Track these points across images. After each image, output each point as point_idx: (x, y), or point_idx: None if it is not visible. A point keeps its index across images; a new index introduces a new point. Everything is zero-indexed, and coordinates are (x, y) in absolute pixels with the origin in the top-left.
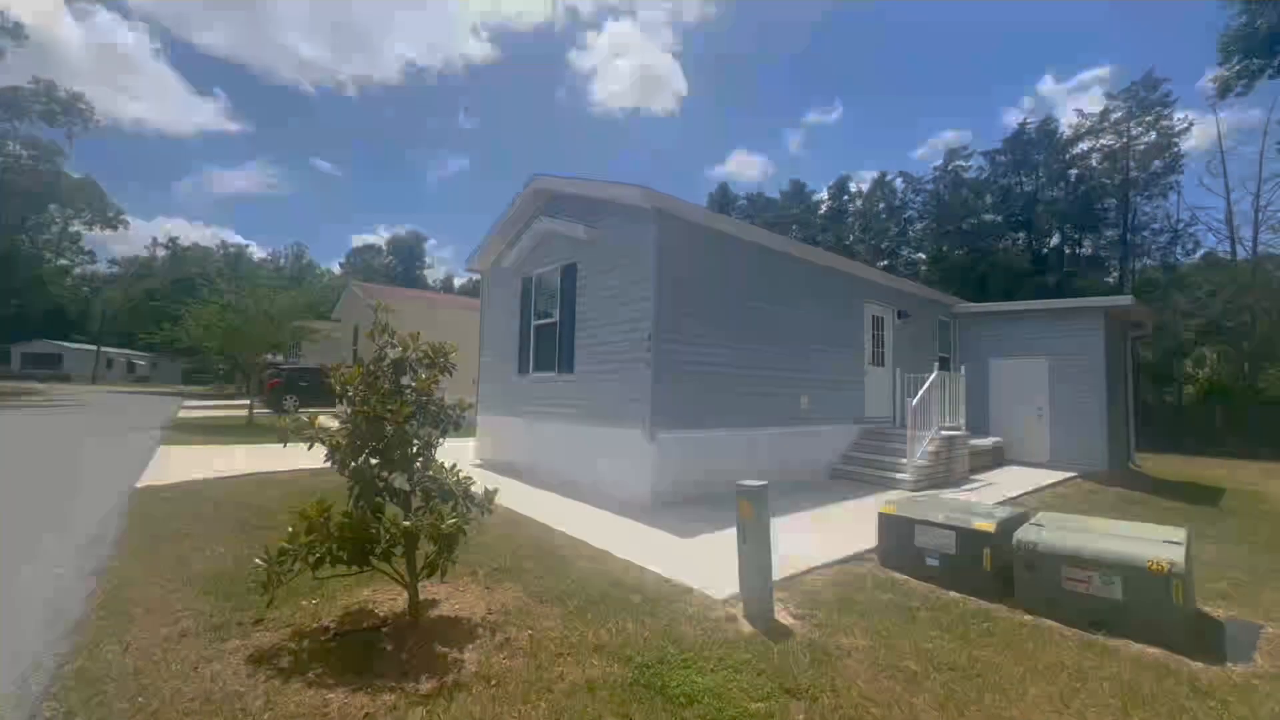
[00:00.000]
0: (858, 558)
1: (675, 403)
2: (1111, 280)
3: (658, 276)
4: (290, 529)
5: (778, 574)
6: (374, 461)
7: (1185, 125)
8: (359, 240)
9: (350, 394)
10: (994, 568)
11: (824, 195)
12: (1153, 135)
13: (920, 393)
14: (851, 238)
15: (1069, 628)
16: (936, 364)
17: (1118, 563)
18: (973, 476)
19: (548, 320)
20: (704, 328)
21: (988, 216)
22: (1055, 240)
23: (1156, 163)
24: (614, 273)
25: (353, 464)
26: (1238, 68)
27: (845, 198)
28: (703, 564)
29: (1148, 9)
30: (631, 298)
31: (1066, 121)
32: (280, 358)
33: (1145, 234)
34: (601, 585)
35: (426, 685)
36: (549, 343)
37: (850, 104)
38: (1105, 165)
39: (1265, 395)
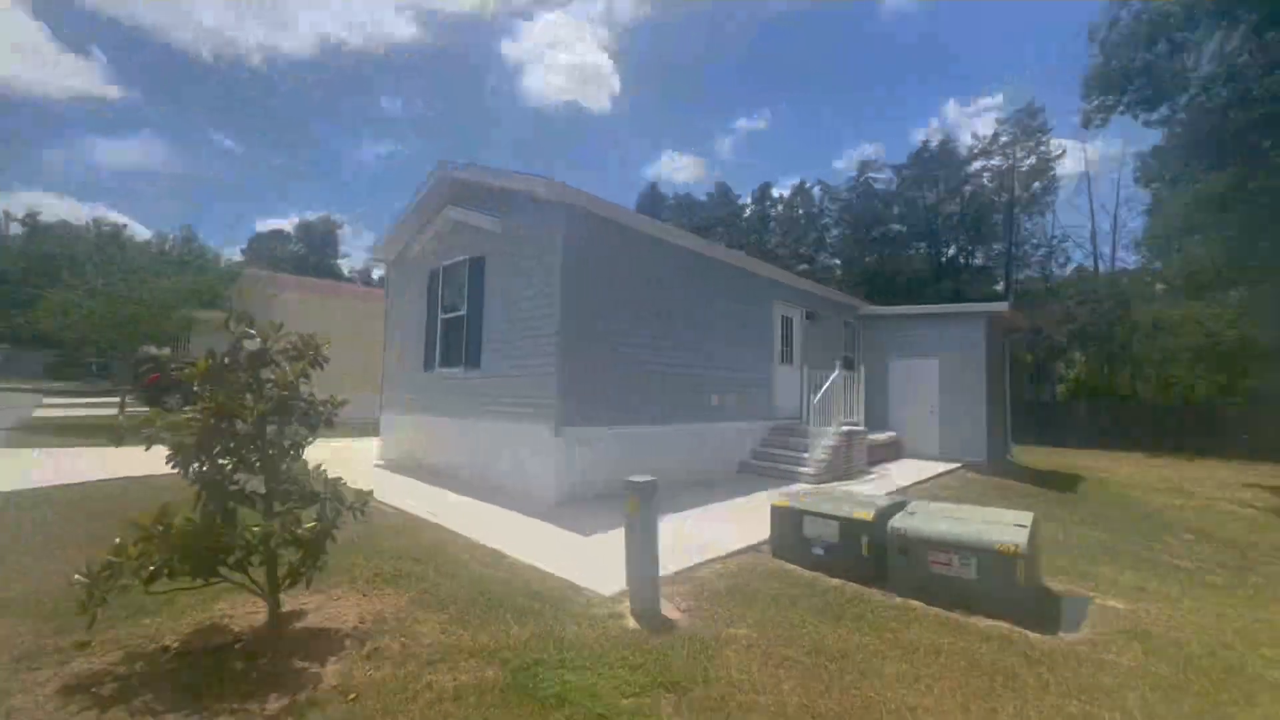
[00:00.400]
0: (753, 549)
1: (583, 399)
2: (999, 289)
3: (564, 271)
4: (117, 540)
5: (674, 567)
6: (224, 463)
7: (1060, 152)
8: (265, 225)
9: (197, 389)
10: (871, 554)
11: (748, 200)
12: (1033, 159)
13: (822, 390)
14: (774, 242)
15: (933, 608)
16: (840, 363)
17: (974, 546)
18: (870, 469)
19: (455, 314)
20: (614, 324)
21: (895, 226)
22: (952, 251)
23: (1036, 184)
24: (522, 266)
25: (195, 466)
26: (1096, 103)
27: (768, 203)
28: (599, 561)
29: (1037, 45)
30: (539, 292)
31: (963, 142)
32: (165, 350)
33: (1026, 248)
34: (492, 588)
35: (275, 704)
36: (456, 337)
37: (779, 113)
38: (994, 184)
39: (1120, 393)
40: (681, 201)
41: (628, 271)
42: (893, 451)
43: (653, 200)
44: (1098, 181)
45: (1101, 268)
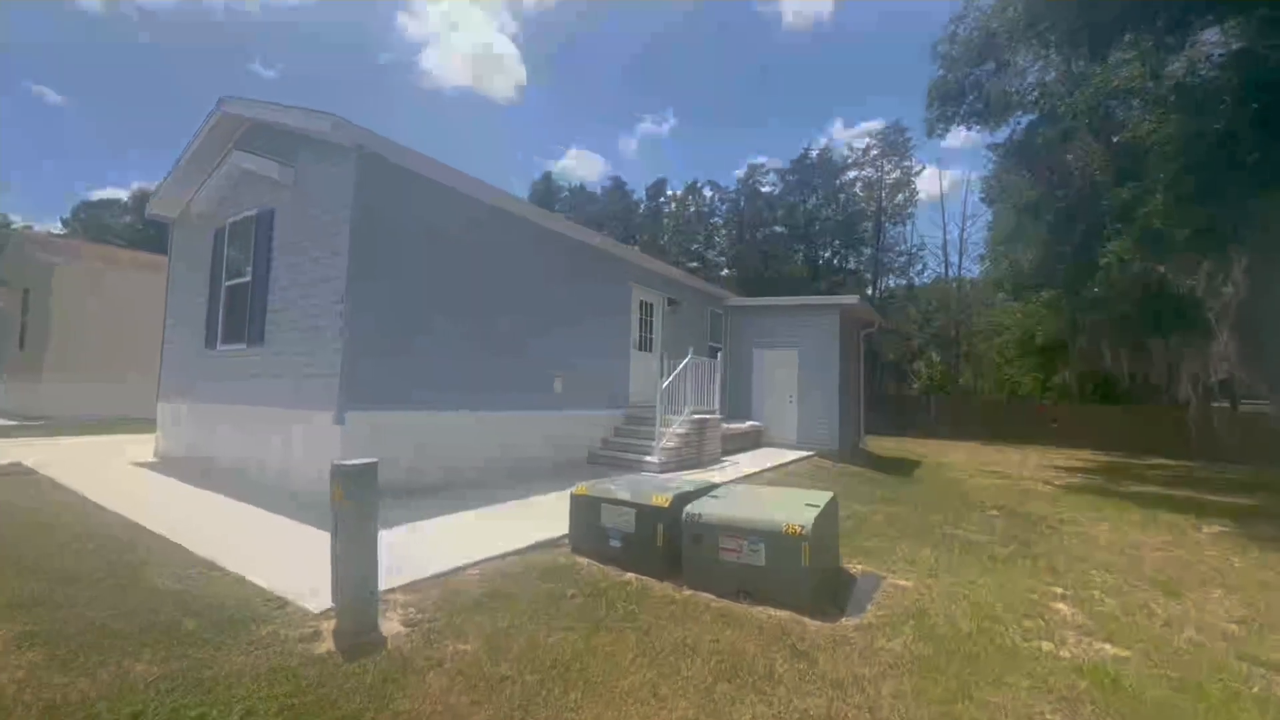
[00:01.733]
0: (552, 544)
1: (378, 379)
2: (870, 292)
3: (355, 227)
4: None
5: (434, 570)
6: None
7: (920, 168)
8: (100, 195)
9: None
10: (665, 544)
11: (643, 197)
12: (897, 173)
13: (670, 377)
14: (665, 239)
15: (720, 599)
16: (706, 352)
17: (762, 529)
18: (724, 458)
19: (240, 280)
20: (423, 295)
21: (778, 229)
22: (828, 254)
23: (900, 196)
24: (311, 222)
25: None
26: (937, 112)
27: (662, 200)
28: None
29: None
30: (328, 252)
31: (840, 153)
32: None
33: (891, 254)
34: (162, 610)
35: None
36: (240, 307)
37: (682, 119)
38: (864, 194)
39: (964, 388)
40: (575, 194)
41: (447, 237)
42: (752, 440)
43: (545, 190)
44: (951, 198)
45: (951, 275)
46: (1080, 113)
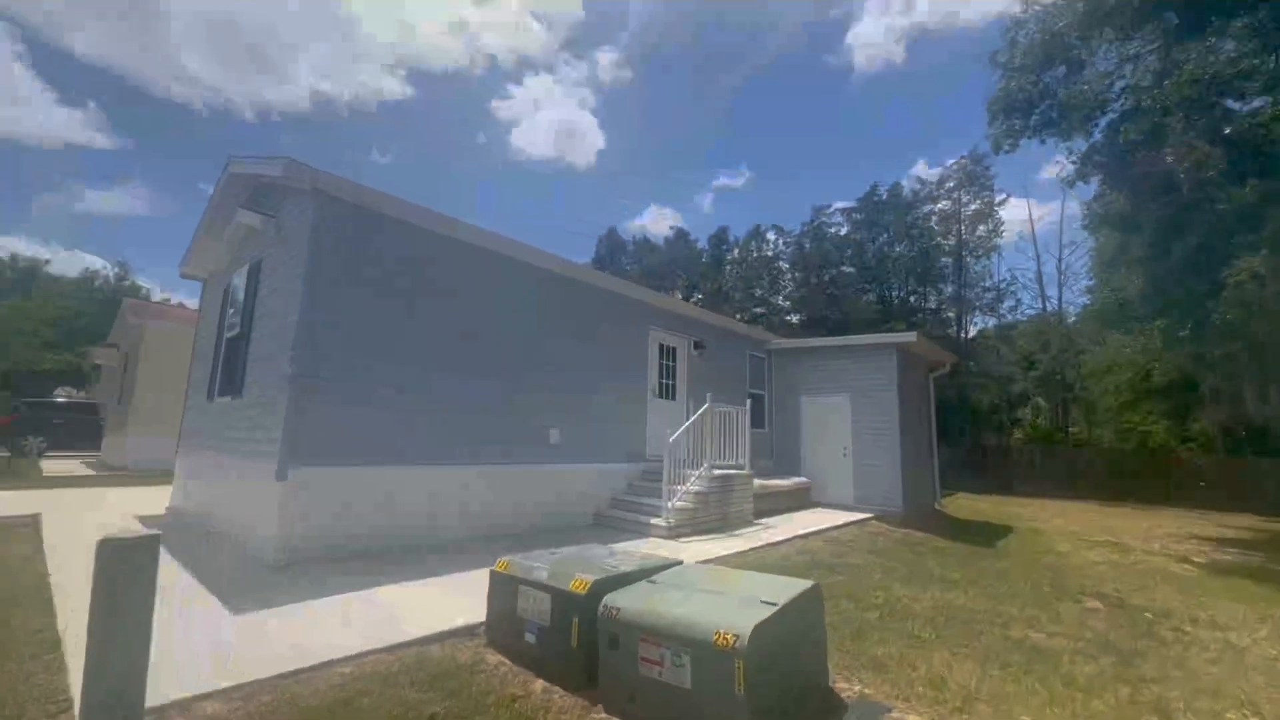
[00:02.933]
0: (469, 631)
1: (329, 431)
2: (954, 332)
3: (311, 271)
4: None
5: (301, 663)
6: None
7: (1004, 197)
8: None
9: None
10: (580, 644)
11: (706, 245)
12: (977, 204)
13: (681, 428)
14: (728, 285)
15: None
16: (744, 400)
17: (685, 635)
18: (758, 520)
19: (234, 332)
20: (392, 341)
21: (846, 269)
22: (900, 293)
23: (981, 228)
24: (284, 271)
25: None
26: (1003, 127)
27: (724, 247)
28: (181, 653)
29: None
30: (290, 299)
31: (911, 188)
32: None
33: (977, 290)
34: None
35: None
36: (232, 359)
37: (757, 171)
38: (941, 228)
39: (1076, 439)
40: (639, 247)
41: (422, 281)
42: (799, 500)
43: (610, 245)
44: (1046, 225)
45: (1051, 309)
46: (1173, 104)
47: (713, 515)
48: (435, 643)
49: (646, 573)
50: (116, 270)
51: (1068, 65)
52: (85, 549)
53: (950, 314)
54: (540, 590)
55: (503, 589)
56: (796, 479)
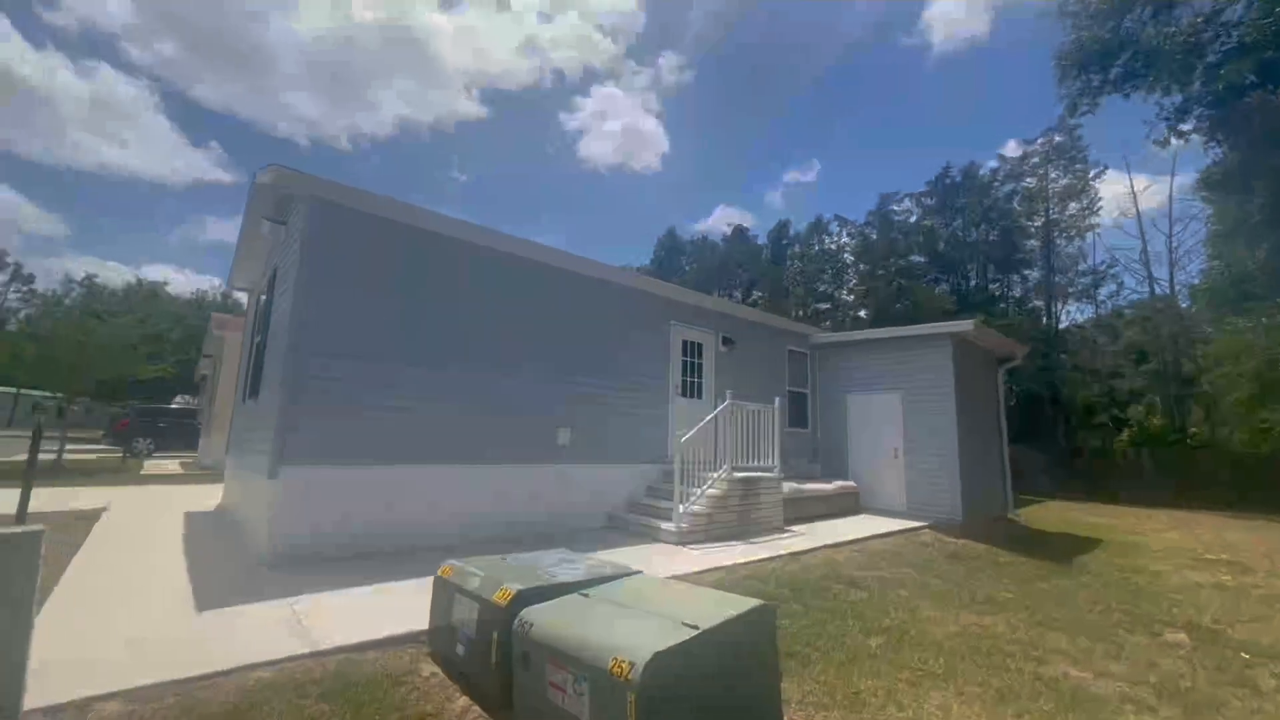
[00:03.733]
0: (414, 638)
1: (323, 430)
2: (1045, 322)
3: (303, 273)
4: None
5: (235, 661)
6: None
7: (1100, 170)
8: None
9: None
10: (500, 661)
11: (765, 241)
12: (1068, 179)
13: (697, 427)
14: (789, 281)
15: None
16: (783, 398)
17: (588, 660)
18: (791, 527)
19: (259, 338)
20: (390, 340)
21: (915, 258)
22: (979, 282)
23: (1073, 205)
24: (288, 275)
25: None
26: (1079, 85)
27: (785, 242)
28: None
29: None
30: (289, 300)
31: (988, 166)
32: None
33: (1068, 275)
34: None
35: None
36: (256, 364)
37: (827, 163)
38: (1024, 208)
39: (1197, 439)
40: (697, 246)
41: (421, 280)
42: (844, 506)
43: (669, 247)
44: (1152, 198)
45: (1159, 293)
46: None
47: (731, 521)
48: (376, 649)
49: (586, 584)
50: (223, 289)
51: (1154, 5)
52: (115, 541)
53: (1038, 302)
54: (471, 599)
55: (442, 596)
56: (841, 483)
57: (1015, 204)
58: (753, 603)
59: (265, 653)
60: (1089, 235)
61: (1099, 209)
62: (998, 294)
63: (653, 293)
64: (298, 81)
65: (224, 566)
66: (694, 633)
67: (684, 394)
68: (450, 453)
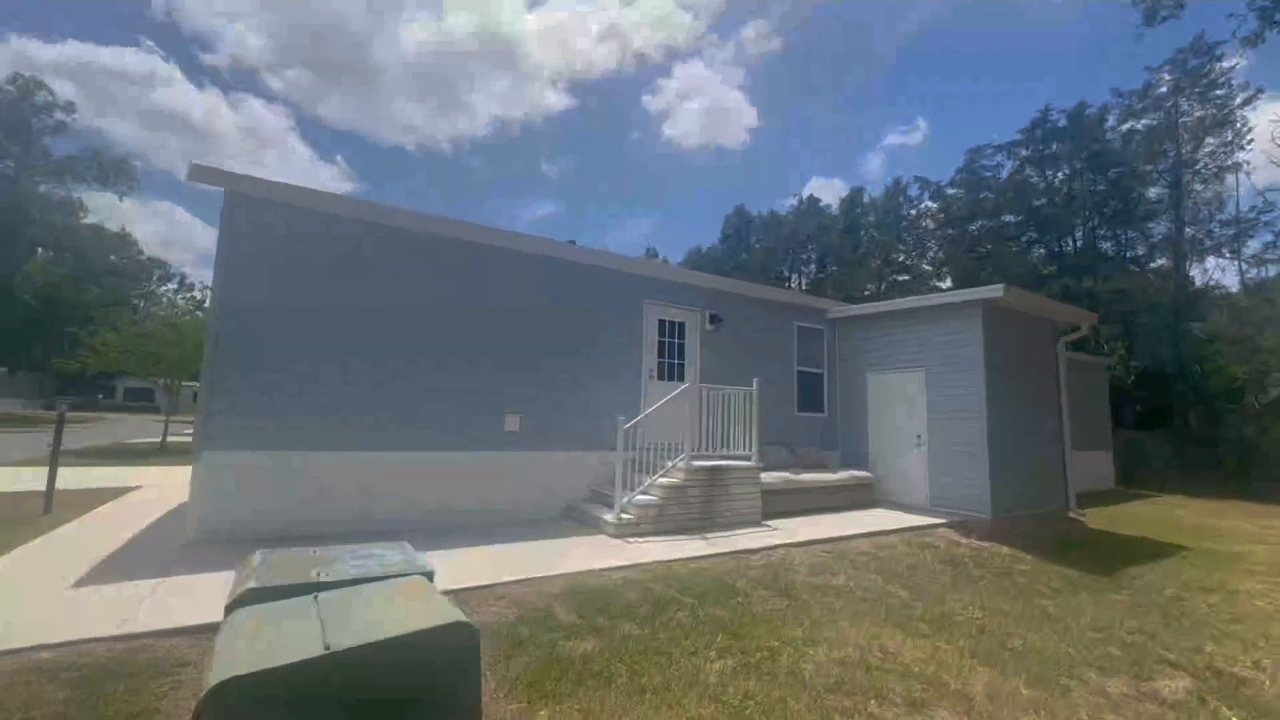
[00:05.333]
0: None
1: (244, 417)
2: (1172, 286)
3: (224, 263)
4: None
5: (18, 643)
6: None
7: (1250, 94)
8: None
9: None
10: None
11: (836, 210)
12: (1203, 110)
13: (650, 410)
14: (863, 252)
15: None
16: (792, 380)
17: (207, 677)
18: (770, 521)
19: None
20: (316, 327)
21: (1006, 217)
22: (1084, 239)
23: (1210, 141)
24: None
25: None
26: None
27: (858, 211)
28: None
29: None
30: (212, 294)
31: (1097, 103)
32: None
33: (1204, 227)
34: None
35: None
36: None
37: (934, 120)
38: (1145, 148)
39: None
40: (766, 221)
41: (346, 267)
42: (854, 498)
43: (738, 224)
44: None
45: None
46: None
47: (690, 514)
48: (188, 636)
49: (331, 586)
50: None
51: None
52: (101, 516)
53: (1163, 261)
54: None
55: (234, 587)
56: (851, 472)
57: (1134, 145)
58: (449, 619)
59: (71, 632)
60: (1232, 177)
61: (1247, 142)
62: (1110, 253)
63: (620, 270)
64: (404, 91)
65: (152, 546)
66: (308, 656)
67: (661, 377)
68: (384, 440)
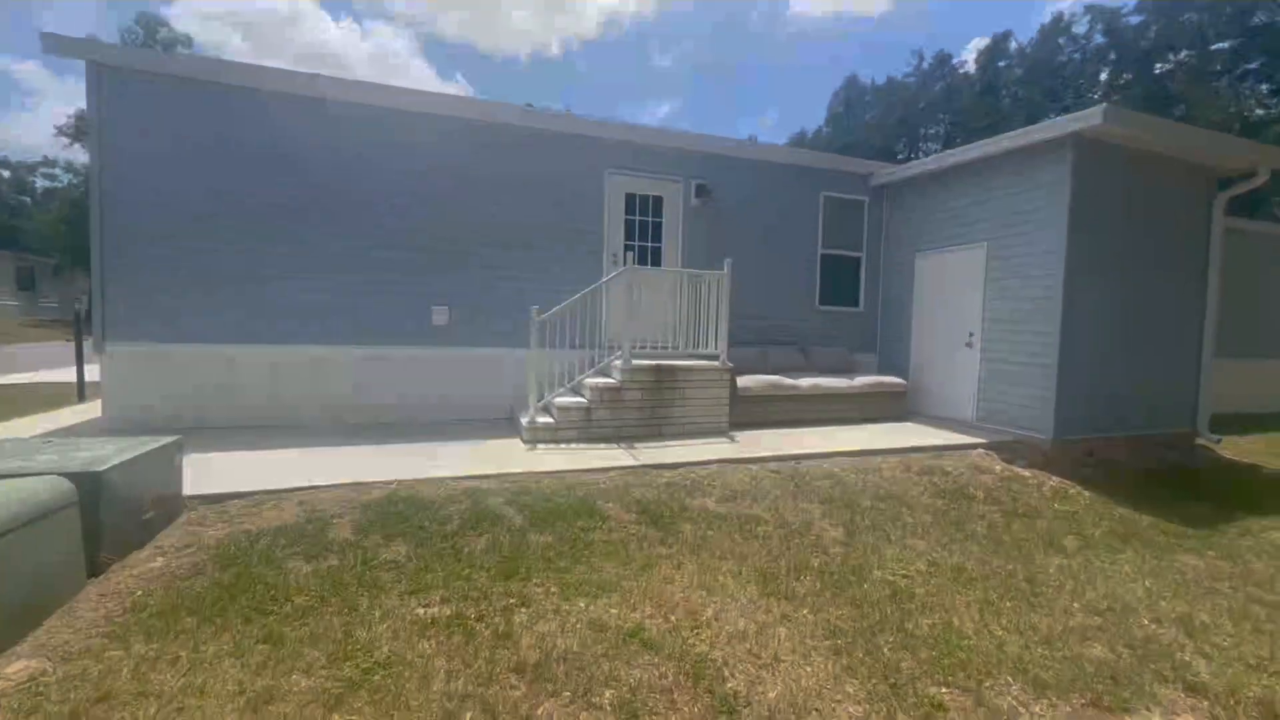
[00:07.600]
0: None
1: (144, 307)
2: None
3: (99, 142)
4: None
5: None
6: None
7: None
8: None
9: None
10: None
11: (971, 65)
12: None
13: (573, 298)
14: (1007, 109)
15: None
16: (804, 264)
17: None
18: (739, 433)
19: None
20: (210, 208)
21: (1218, 46)
22: None
23: None
24: None
25: None
26: None
27: (1001, 63)
28: None
29: None
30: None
31: None
32: None
33: None
34: None
35: None
36: None
37: None
38: None
39: None
40: (881, 91)
41: (245, 141)
42: (880, 408)
43: (847, 98)
44: None
45: None
46: None
47: (628, 420)
48: None
49: None
50: None
51: None
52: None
53: None
54: None
55: None
56: (877, 378)
57: None
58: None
59: None
60: None
61: None
62: None
63: (574, 133)
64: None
65: (76, 433)
66: None
67: (625, 264)
68: (293, 332)
